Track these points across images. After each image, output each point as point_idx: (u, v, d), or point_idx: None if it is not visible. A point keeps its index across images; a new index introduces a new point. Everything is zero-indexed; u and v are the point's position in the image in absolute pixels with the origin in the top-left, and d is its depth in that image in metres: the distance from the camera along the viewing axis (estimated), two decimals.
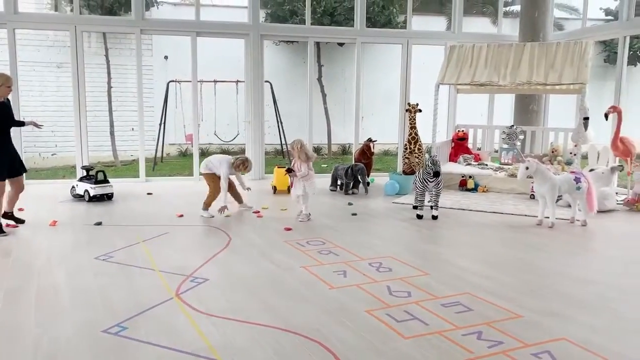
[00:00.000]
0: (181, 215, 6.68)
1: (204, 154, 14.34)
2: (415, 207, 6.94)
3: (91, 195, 7.48)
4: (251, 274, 4.52)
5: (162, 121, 12.49)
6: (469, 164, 9.35)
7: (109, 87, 13.40)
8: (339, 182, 8.59)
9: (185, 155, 14.45)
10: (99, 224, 6.21)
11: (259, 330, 3.38)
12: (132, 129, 13.26)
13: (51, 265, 4.68)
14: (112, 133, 13.46)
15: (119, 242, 5.40)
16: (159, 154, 12.74)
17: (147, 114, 12.65)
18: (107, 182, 7.70)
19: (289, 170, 6.54)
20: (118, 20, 9.74)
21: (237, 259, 4.91)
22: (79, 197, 7.70)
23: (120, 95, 13.76)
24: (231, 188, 6.95)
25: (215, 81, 12.55)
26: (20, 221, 6.14)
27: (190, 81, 9.72)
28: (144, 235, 5.71)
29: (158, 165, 12.46)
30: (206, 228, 6.10)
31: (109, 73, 13.41)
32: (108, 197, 7.64)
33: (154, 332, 3.33)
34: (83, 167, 8.14)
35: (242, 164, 6.77)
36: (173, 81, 12.67)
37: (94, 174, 7.71)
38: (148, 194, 8.26)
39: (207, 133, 13.09)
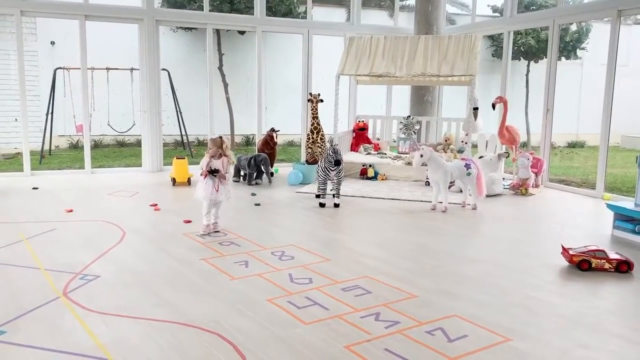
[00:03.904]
0: (71, 211, 6.25)
1: (97, 145, 13.63)
2: (318, 196, 7.00)
3: None
4: (147, 268, 4.32)
5: (50, 111, 11.62)
6: (369, 154, 9.59)
7: None
8: (242, 173, 8.46)
9: (76, 147, 13.57)
10: None
11: (154, 326, 3.23)
12: (15, 119, 12.21)
13: None
14: None
15: None
16: (46, 147, 11.86)
17: (33, 103, 11.76)
18: None
19: (213, 172, 5.24)
20: None
21: (132, 254, 4.68)
22: None
23: (1, 83, 12.63)
24: None
25: (107, 69, 11.86)
26: None
27: (79, 68, 9.11)
28: (27, 232, 5.27)
29: (46, 158, 11.58)
30: (99, 223, 5.75)
31: None
32: None
33: (37, 335, 3.08)
34: None
35: None
36: (61, 68, 11.82)
37: None
38: (34, 188, 7.65)
39: (100, 124, 12.35)
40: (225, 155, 5.28)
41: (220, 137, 5.34)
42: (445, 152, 8.93)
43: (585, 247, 4.57)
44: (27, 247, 4.82)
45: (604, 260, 4.40)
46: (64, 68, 11.79)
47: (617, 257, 4.45)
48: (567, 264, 4.54)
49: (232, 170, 5.40)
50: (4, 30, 12.74)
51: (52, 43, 13.62)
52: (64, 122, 13.15)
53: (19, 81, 8.63)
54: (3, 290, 3.77)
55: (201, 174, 5.26)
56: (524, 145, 13.95)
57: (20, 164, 9.15)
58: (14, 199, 6.91)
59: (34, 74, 12.66)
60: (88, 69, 9.21)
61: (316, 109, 9.05)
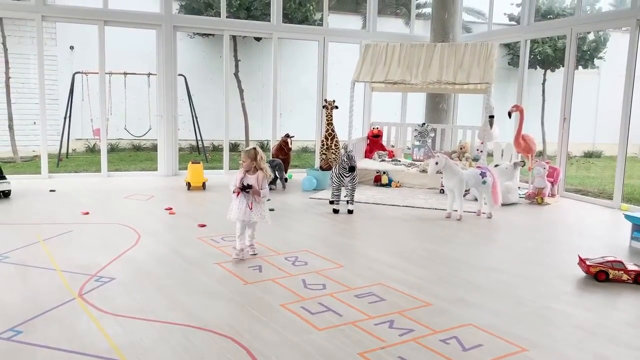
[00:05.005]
0: (87, 213, 6.31)
1: (113, 149, 13.75)
2: (331, 202, 6.99)
3: None
4: (161, 271, 4.34)
5: (68, 115, 11.78)
6: (383, 160, 9.57)
7: (7, 78, 12.42)
8: None
9: (93, 150, 13.71)
10: None
11: (168, 329, 3.24)
12: (34, 122, 12.39)
13: None
14: (10, 127, 12.50)
15: (16, 242, 5.00)
16: (64, 149, 12.01)
17: (51, 107, 11.88)
18: (4, 178, 7.13)
19: (245, 188, 4.52)
20: (15, 5, 9.03)
21: (147, 257, 4.70)
22: None
23: (21, 87, 12.82)
24: None
25: (125, 73, 12.00)
26: None
27: (97, 73, 9.22)
28: (44, 234, 5.33)
29: (63, 161, 11.73)
30: (115, 226, 5.79)
31: (6, 62, 12.42)
32: (4, 194, 7.07)
33: (53, 335, 3.11)
34: None
35: None
36: (79, 72, 11.98)
37: None
38: (51, 190, 7.74)
39: (116, 128, 12.48)
40: (261, 169, 4.57)
41: (254, 149, 4.61)
42: (460, 160, 8.88)
43: (602, 257, 4.50)
44: (43, 248, 4.87)
45: (622, 272, 4.33)
46: (82, 72, 11.95)
47: (636, 268, 4.38)
48: (583, 274, 4.48)
49: (265, 185, 4.64)
50: (24, 34, 12.95)
51: (71, 48, 13.83)
52: (82, 125, 13.32)
53: (38, 85, 8.74)
54: (20, 291, 3.81)
55: (234, 191, 4.57)
56: (540, 154, 13.83)
57: (38, 167, 9.27)
58: (31, 201, 6.99)
59: (53, 78, 12.81)
60: (106, 73, 9.33)
61: (331, 116, 9.07)
